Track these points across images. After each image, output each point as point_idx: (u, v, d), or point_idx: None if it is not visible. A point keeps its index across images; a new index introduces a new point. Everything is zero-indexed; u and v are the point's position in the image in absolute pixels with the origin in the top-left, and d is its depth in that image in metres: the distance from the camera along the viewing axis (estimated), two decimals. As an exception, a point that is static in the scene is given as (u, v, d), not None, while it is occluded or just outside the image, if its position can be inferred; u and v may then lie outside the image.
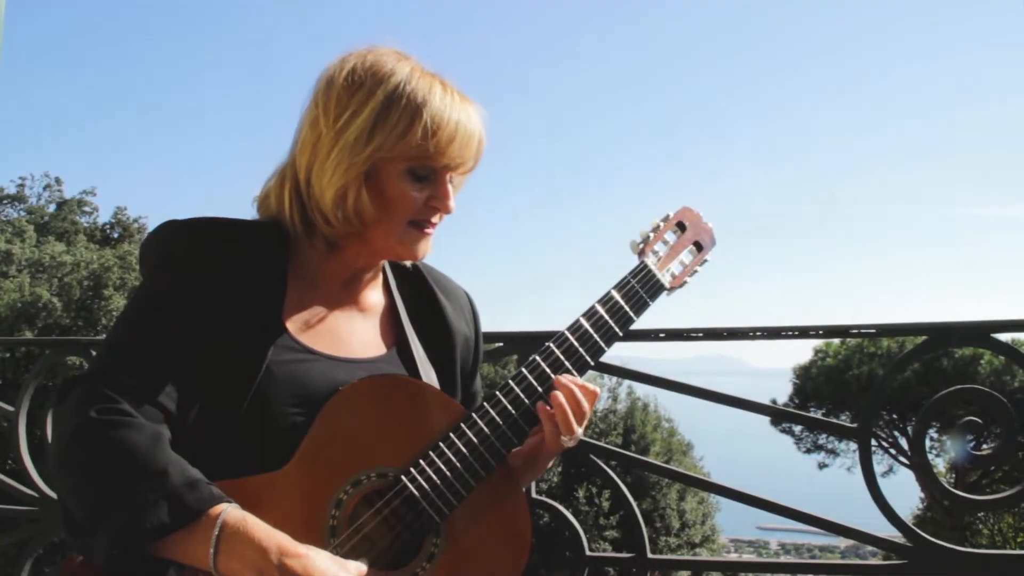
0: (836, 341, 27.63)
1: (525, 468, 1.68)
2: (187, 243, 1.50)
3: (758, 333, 2.33)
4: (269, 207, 1.61)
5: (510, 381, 1.58)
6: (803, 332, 2.33)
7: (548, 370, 1.60)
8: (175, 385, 1.40)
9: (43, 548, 3.27)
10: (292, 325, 1.53)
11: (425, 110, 1.49)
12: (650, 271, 1.73)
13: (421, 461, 1.49)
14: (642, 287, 1.71)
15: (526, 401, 1.57)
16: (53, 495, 3.17)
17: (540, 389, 1.58)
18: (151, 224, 31.44)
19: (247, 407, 1.43)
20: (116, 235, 30.59)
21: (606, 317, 1.66)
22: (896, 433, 26.87)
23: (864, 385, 25.12)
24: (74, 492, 1.31)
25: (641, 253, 1.75)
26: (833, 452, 29.95)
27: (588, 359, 1.64)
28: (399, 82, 1.50)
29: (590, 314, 1.66)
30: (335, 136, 1.50)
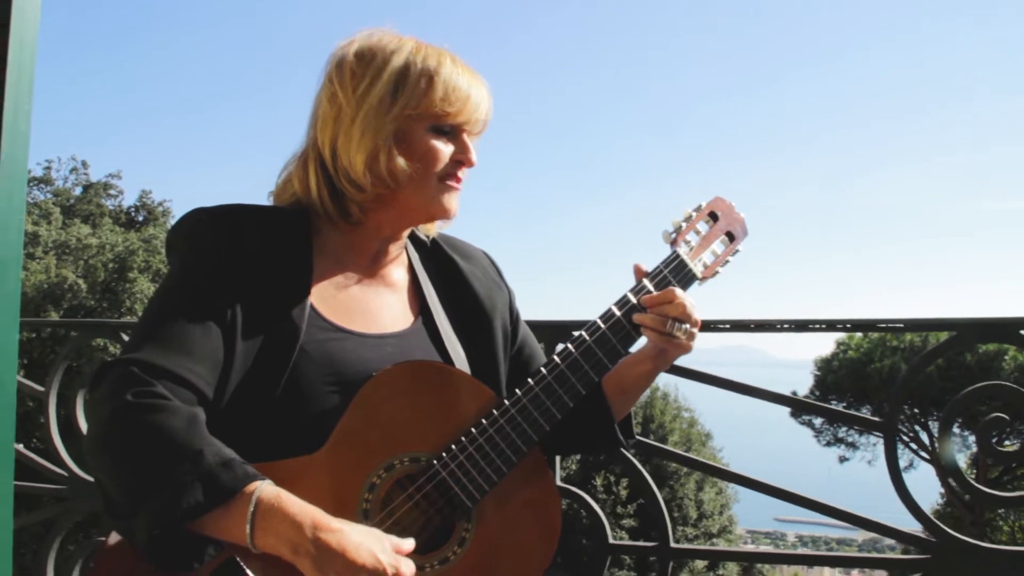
0: (859, 334, 27.43)
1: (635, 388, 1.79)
2: (215, 229, 1.54)
3: (785, 325, 2.33)
4: (291, 192, 1.66)
5: (542, 368, 1.59)
6: (830, 325, 2.33)
7: (580, 358, 1.61)
8: (209, 368, 1.41)
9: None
10: (321, 304, 1.56)
11: (441, 71, 1.58)
12: (682, 260, 1.73)
13: (453, 447, 1.51)
14: (674, 276, 1.71)
15: (558, 389, 1.58)
16: (82, 474, 3.22)
17: (572, 377, 1.60)
18: (175, 208, 31.64)
19: (282, 388, 1.46)
20: (141, 218, 30.77)
21: (638, 306, 1.67)
22: (917, 428, 26.67)
23: (886, 378, 24.94)
24: (113, 476, 1.33)
25: (673, 243, 1.75)
26: (853, 446, 29.78)
27: (620, 348, 1.65)
28: (410, 51, 1.59)
29: (622, 303, 1.67)
30: (357, 104, 1.56)
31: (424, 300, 1.72)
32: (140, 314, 1.64)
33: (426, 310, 1.71)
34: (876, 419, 2.37)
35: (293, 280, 1.54)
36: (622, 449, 1.95)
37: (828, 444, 30.38)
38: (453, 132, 1.61)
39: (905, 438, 27.10)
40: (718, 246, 1.82)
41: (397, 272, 1.73)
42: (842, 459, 30.53)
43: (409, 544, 1.39)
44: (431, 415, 1.53)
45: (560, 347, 1.64)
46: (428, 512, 1.50)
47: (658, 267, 1.72)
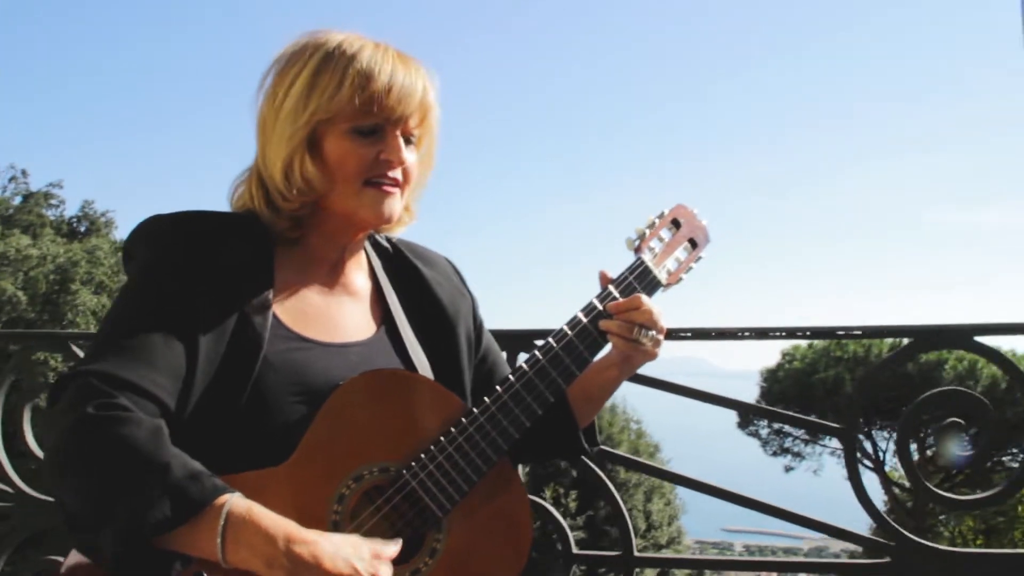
0: (803, 344, 27.88)
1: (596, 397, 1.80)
2: (174, 236, 1.50)
3: (747, 333, 2.35)
4: (243, 203, 1.63)
5: (510, 376, 1.59)
6: (791, 333, 2.36)
7: (548, 365, 1.61)
8: (171, 379, 1.38)
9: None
10: (283, 314, 1.53)
11: (353, 66, 1.51)
12: (647, 267, 1.74)
13: (423, 456, 1.49)
14: (639, 283, 1.72)
15: (526, 397, 1.58)
16: (29, 491, 3.12)
17: (541, 384, 1.59)
18: (120, 219, 31.07)
19: (246, 400, 1.43)
20: (83, 229, 30.16)
21: (588, 327, 1.66)
22: (860, 436, 27.11)
23: (830, 388, 25.33)
24: (75, 491, 1.28)
25: (637, 250, 1.76)
26: (799, 455, 30.17)
27: (587, 355, 1.65)
28: (330, 48, 1.54)
29: (588, 310, 1.67)
30: (276, 111, 1.54)
31: (387, 308, 1.70)
32: (85, 327, 1.58)
33: (389, 318, 1.69)
34: (835, 426, 2.40)
35: (255, 288, 1.51)
36: (584, 457, 1.95)
37: (774, 454, 30.73)
38: (377, 130, 1.54)
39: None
40: (681, 253, 1.85)
41: (358, 279, 1.70)
42: (788, 468, 30.90)
43: (392, 549, 1.37)
44: (400, 424, 1.51)
45: (526, 355, 1.64)
46: (398, 523, 1.48)
47: (623, 274, 1.73)
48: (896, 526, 2.30)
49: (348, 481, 1.45)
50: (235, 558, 1.25)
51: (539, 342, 1.64)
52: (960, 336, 2.30)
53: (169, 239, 1.50)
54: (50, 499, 3.07)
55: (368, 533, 1.44)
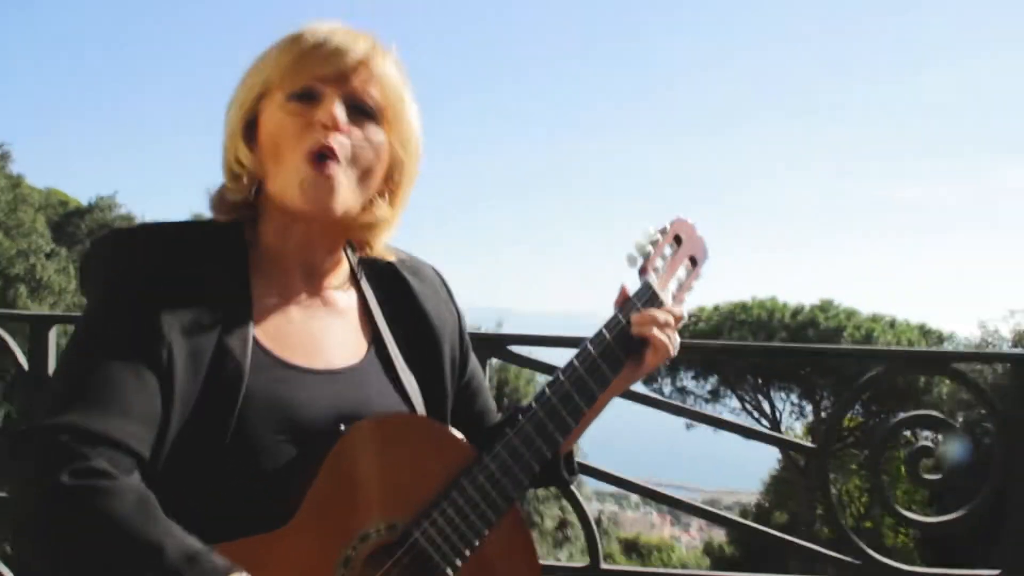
0: (709, 307, 28.63)
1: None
2: (139, 253, 1.34)
3: (751, 350, 2.33)
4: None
5: (520, 416, 1.50)
6: (789, 352, 2.35)
7: (558, 403, 1.52)
8: (148, 428, 1.22)
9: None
10: (263, 335, 1.38)
11: (287, 35, 1.40)
12: (655, 293, 1.66)
13: (433, 511, 1.40)
14: (647, 309, 1.64)
15: (537, 439, 1.50)
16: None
17: (551, 425, 1.51)
18: (17, 151, 29.56)
19: (228, 442, 1.28)
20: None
21: (613, 345, 1.60)
22: (759, 396, 28.01)
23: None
24: (50, 574, 1.13)
25: (642, 271, 1.68)
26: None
27: (596, 390, 1.57)
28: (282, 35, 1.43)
29: (598, 341, 1.59)
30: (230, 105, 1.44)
31: (376, 327, 1.56)
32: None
33: (378, 338, 1.55)
34: (810, 446, 2.41)
35: (232, 307, 1.35)
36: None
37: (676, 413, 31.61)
38: (313, 95, 1.36)
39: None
40: (682, 272, 1.78)
41: (341, 294, 1.54)
42: (688, 426, 31.78)
43: None
44: (406, 476, 1.41)
45: (541, 391, 1.56)
46: None
47: (631, 300, 1.66)
48: (862, 545, 2.32)
49: (354, 542, 1.34)
50: None
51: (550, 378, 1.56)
52: (939, 362, 2.33)
53: (133, 257, 1.34)
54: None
55: None
